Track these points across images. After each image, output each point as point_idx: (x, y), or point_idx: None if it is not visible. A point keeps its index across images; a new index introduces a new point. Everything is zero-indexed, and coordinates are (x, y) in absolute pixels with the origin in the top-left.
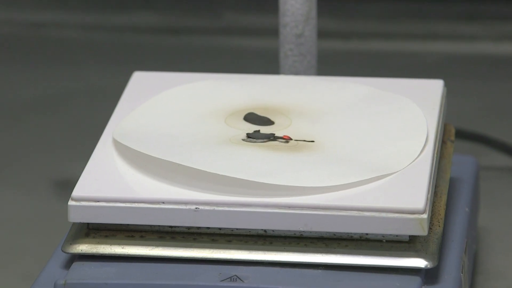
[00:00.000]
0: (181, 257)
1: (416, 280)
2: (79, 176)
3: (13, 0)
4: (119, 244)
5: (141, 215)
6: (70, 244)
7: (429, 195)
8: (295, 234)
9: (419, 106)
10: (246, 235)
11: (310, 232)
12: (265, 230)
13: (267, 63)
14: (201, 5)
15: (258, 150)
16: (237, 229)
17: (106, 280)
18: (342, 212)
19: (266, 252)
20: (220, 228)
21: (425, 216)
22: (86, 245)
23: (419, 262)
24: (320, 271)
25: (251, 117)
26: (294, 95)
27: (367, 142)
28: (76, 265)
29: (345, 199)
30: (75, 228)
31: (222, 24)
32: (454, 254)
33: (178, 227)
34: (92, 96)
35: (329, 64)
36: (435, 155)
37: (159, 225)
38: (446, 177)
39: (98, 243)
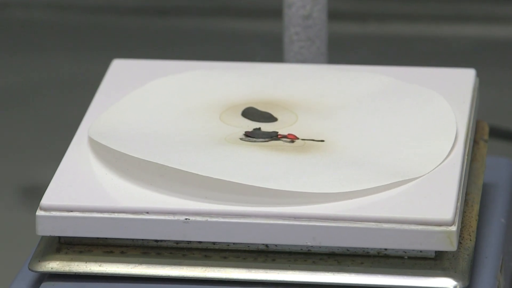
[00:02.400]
0: (169, 276)
1: None
2: (49, 182)
3: None
4: (96, 261)
5: (122, 227)
6: (39, 261)
7: (459, 204)
8: (301, 249)
9: (447, 100)
10: (245, 251)
11: (320, 247)
12: (266, 245)
13: (269, 49)
14: None
15: (258, 151)
16: (234, 243)
17: None
18: (356, 224)
19: (268, 271)
20: (214, 243)
21: (454, 228)
22: (57, 262)
23: (447, 282)
24: None
25: (250, 113)
26: (301, 87)
27: (386, 142)
28: (46, 285)
29: (360, 208)
30: (44, 243)
31: (216, 4)
32: (488, 273)
33: (165, 241)
34: (64, 87)
35: (342, 50)
36: (466, 157)
37: (142, 239)
38: (478, 182)
39: (71, 260)
